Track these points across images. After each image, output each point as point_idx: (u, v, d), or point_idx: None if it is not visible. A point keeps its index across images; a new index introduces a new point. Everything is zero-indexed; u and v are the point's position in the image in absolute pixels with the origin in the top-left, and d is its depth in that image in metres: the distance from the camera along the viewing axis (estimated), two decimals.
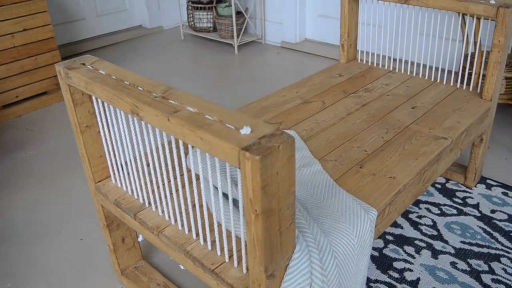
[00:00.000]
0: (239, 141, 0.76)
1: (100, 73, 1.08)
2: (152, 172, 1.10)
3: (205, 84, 2.96)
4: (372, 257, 1.55)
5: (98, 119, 1.20)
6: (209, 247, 1.05)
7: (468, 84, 1.92)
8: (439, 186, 1.89)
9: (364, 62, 2.04)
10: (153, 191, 1.19)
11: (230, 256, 1.02)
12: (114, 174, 1.29)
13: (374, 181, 1.26)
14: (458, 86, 1.79)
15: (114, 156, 1.23)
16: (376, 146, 1.42)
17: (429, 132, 1.49)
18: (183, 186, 1.23)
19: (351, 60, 2.07)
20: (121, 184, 1.28)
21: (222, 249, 1.03)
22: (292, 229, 0.87)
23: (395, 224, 1.69)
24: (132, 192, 1.25)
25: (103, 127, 1.21)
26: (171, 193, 1.21)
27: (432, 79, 1.85)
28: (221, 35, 3.56)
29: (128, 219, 1.22)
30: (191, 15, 3.72)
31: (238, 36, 3.47)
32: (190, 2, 3.67)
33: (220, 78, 3.05)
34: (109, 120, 1.16)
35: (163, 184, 1.09)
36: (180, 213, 1.14)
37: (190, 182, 1.26)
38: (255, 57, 3.38)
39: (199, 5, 3.62)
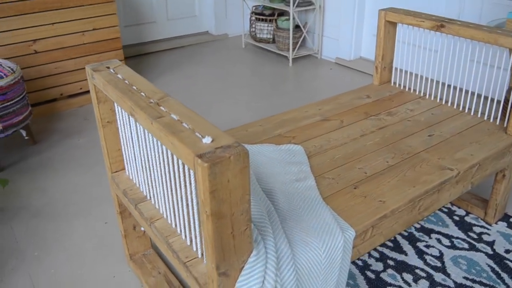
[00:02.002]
0: (197, 149, 0.86)
1: (117, 77, 1.23)
2: (154, 169, 1.23)
3: (254, 93, 3.09)
4: (367, 279, 1.57)
5: (117, 117, 1.36)
6: (188, 242, 1.15)
7: (496, 117, 1.86)
8: (457, 218, 1.85)
9: (397, 85, 2.05)
10: (153, 186, 1.31)
11: (203, 253, 1.12)
12: (127, 166, 1.44)
13: (363, 202, 1.30)
14: (485, 118, 1.75)
15: (128, 150, 1.38)
16: (378, 169, 1.45)
17: (437, 161, 1.49)
18: (180, 186, 1.34)
19: (385, 82, 2.08)
20: (132, 176, 1.43)
21: (197, 246, 1.13)
22: (247, 234, 0.95)
23: (400, 250, 1.70)
24: (139, 184, 1.39)
25: (120, 123, 1.36)
26: (170, 190, 1.33)
27: (461, 108, 1.83)
28: (279, 46, 3.67)
29: (131, 208, 1.36)
30: (254, 26, 3.87)
31: (294, 49, 3.56)
32: (253, 13, 3.82)
33: (270, 88, 3.16)
34: (123, 118, 1.31)
35: (162, 182, 1.20)
36: (169, 209, 1.25)
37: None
38: (308, 71, 3.45)
39: (261, 17, 3.76)
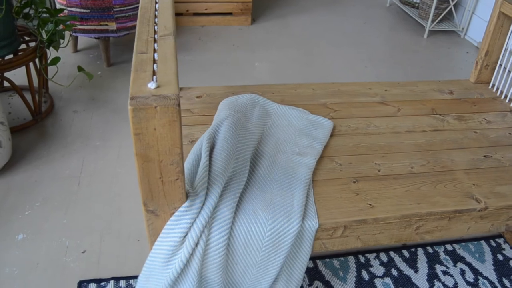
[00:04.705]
0: (136, 91, 0.89)
1: (153, 5, 1.29)
2: None
3: (368, 56, 2.90)
4: (359, 278, 1.49)
5: None
6: None
7: None
8: (501, 257, 1.60)
9: (495, 89, 1.75)
10: None
11: None
12: None
13: (350, 199, 1.21)
14: None
15: None
16: (394, 172, 1.31)
17: (470, 187, 1.29)
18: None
19: (482, 82, 1.79)
20: None
21: None
22: (178, 185, 0.98)
23: (412, 264, 1.55)
24: None
25: None
26: None
27: None
28: (420, 14, 3.32)
29: None
30: None
31: (434, 20, 3.19)
32: None
33: (387, 55, 2.93)
34: None
35: None
36: None
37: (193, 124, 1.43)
38: (441, 48, 3.09)
39: None
